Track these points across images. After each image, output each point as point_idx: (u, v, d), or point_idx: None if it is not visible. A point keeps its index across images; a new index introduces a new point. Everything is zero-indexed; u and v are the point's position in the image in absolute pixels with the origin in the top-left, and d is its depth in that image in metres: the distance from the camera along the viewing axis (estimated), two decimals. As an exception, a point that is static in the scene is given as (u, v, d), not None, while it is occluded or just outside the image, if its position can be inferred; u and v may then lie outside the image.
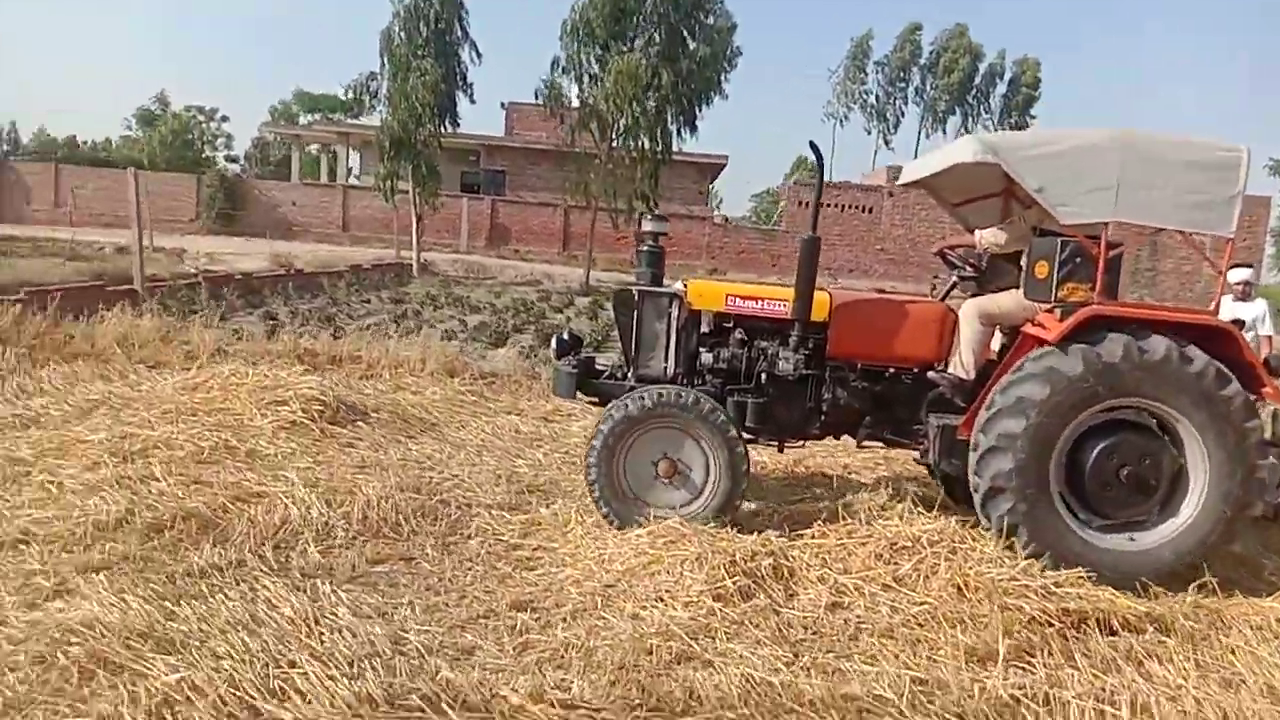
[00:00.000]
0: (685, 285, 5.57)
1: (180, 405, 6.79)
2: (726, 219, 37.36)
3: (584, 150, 25.58)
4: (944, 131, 52.96)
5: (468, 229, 33.26)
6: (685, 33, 24.47)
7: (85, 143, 56.31)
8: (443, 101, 23.77)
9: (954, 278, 6.05)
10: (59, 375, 7.79)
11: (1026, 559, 4.48)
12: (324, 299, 16.84)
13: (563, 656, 3.54)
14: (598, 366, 5.73)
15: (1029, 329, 4.99)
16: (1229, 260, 5.46)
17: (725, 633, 3.78)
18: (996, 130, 52.80)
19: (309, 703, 2.97)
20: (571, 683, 3.27)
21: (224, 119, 58.40)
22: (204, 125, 56.63)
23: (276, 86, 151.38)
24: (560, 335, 5.84)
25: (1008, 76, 51.36)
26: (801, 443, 5.74)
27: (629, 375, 5.51)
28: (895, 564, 4.40)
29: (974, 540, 4.62)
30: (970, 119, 52.26)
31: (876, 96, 51.80)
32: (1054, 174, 4.77)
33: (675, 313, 5.43)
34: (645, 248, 5.48)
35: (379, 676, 3.17)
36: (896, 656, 3.68)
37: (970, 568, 4.30)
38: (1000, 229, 5.46)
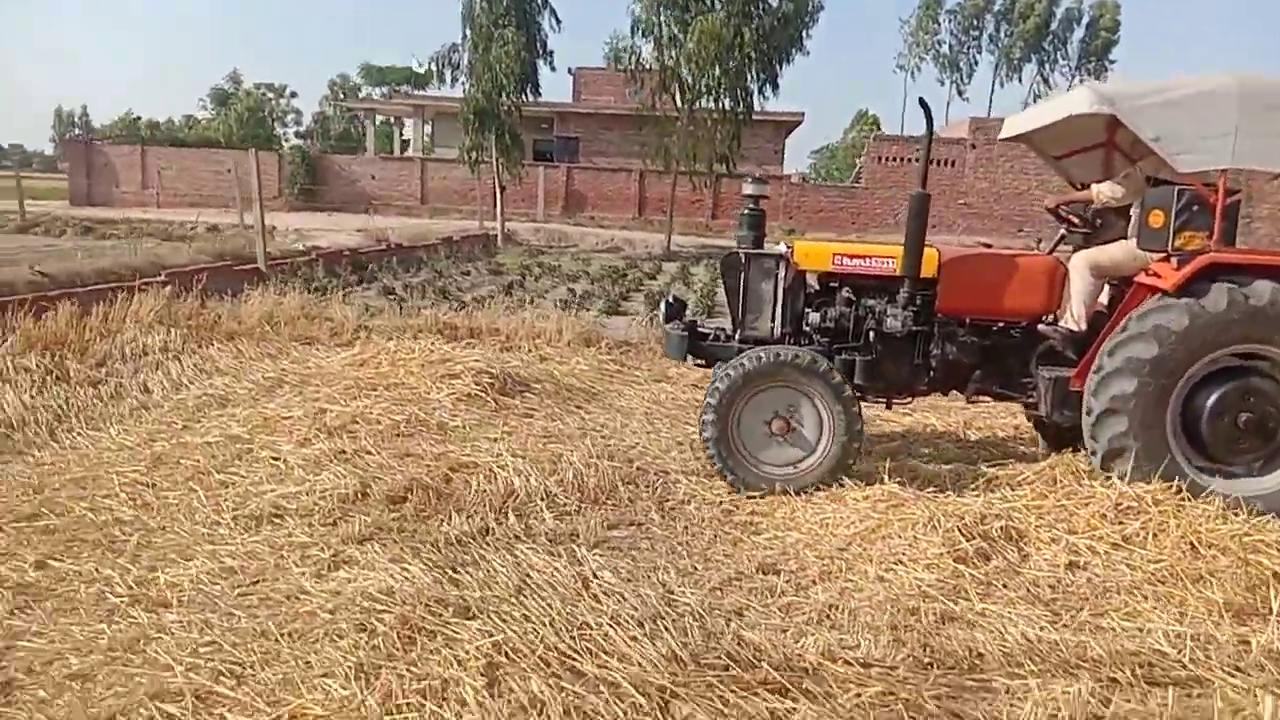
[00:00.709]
0: (791, 246, 5.63)
1: (359, 381, 7.04)
2: (805, 178, 36.93)
3: (663, 113, 25.42)
4: (1019, 80, 51.63)
5: (544, 197, 33.38)
6: (765, -11, 24.11)
7: (162, 123, 57.67)
8: (525, 70, 23.79)
9: (1062, 231, 6.03)
10: (226, 354, 8.09)
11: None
12: (427, 271, 17.14)
13: (829, 617, 3.67)
14: (700, 330, 5.81)
15: (1143, 278, 4.98)
16: None
17: (976, 593, 3.86)
18: (1075, 77, 51.25)
19: (623, 663, 3.13)
20: (858, 642, 3.38)
21: (293, 95, 59.40)
22: (274, 103, 57.54)
23: (331, 61, 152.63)
24: (668, 300, 5.98)
25: (1085, 20, 49.71)
26: (909, 399, 5.81)
27: (736, 337, 5.60)
28: (1121, 523, 4.41)
29: (1194, 501, 4.60)
30: (1047, 66, 50.81)
31: (950, 46, 50.62)
32: (1171, 122, 4.73)
33: (782, 273, 5.51)
34: (747, 210, 5.56)
35: (675, 636, 3.31)
36: (1153, 613, 3.72)
37: (1201, 524, 4.30)
38: (1116, 183, 5.44)
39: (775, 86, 25.13)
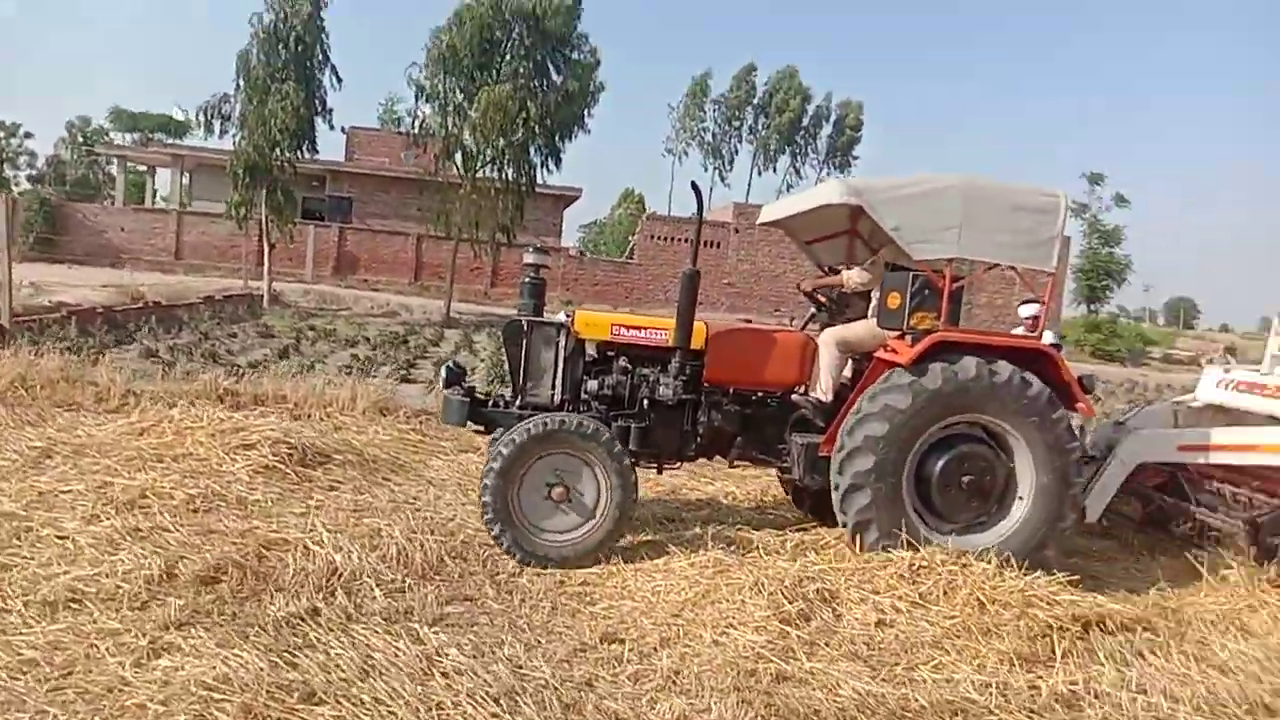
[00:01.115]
0: (572, 315, 5.87)
1: (141, 451, 6.53)
2: (583, 251, 37.80)
3: (446, 180, 25.39)
4: (774, 169, 55.76)
5: (314, 258, 32.16)
6: (551, 66, 24.86)
7: None
8: (303, 126, 23.05)
9: (813, 310, 6.72)
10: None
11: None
12: (190, 333, 16.04)
13: (675, 682, 3.79)
14: (478, 396, 5.93)
15: (882, 354, 5.63)
16: (1050, 292, 6.33)
17: (804, 652, 4.13)
18: (822, 169, 56.13)
19: (492, 741, 3.10)
20: (708, 705, 3.53)
21: (28, 135, 54.03)
22: (4, 141, 52.02)
23: (75, 101, 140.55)
24: (449, 365, 6.06)
25: (833, 119, 54.70)
26: (679, 464, 6.13)
27: (517, 403, 5.74)
28: (916, 582, 4.87)
29: (974, 559, 5.15)
30: (799, 158, 55.30)
31: (714, 134, 54.02)
32: (907, 215, 5.41)
33: (562, 342, 5.72)
34: (528, 279, 5.75)
35: (535, 710, 3.32)
36: (956, 665, 4.13)
37: (984, 581, 4.82)
38: (864, 269, 6.12)
39: (558, 161, 25.78)
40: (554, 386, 5.71)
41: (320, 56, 23.77)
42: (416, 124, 25.12)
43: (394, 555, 4.92)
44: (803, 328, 6.59)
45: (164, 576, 4.35)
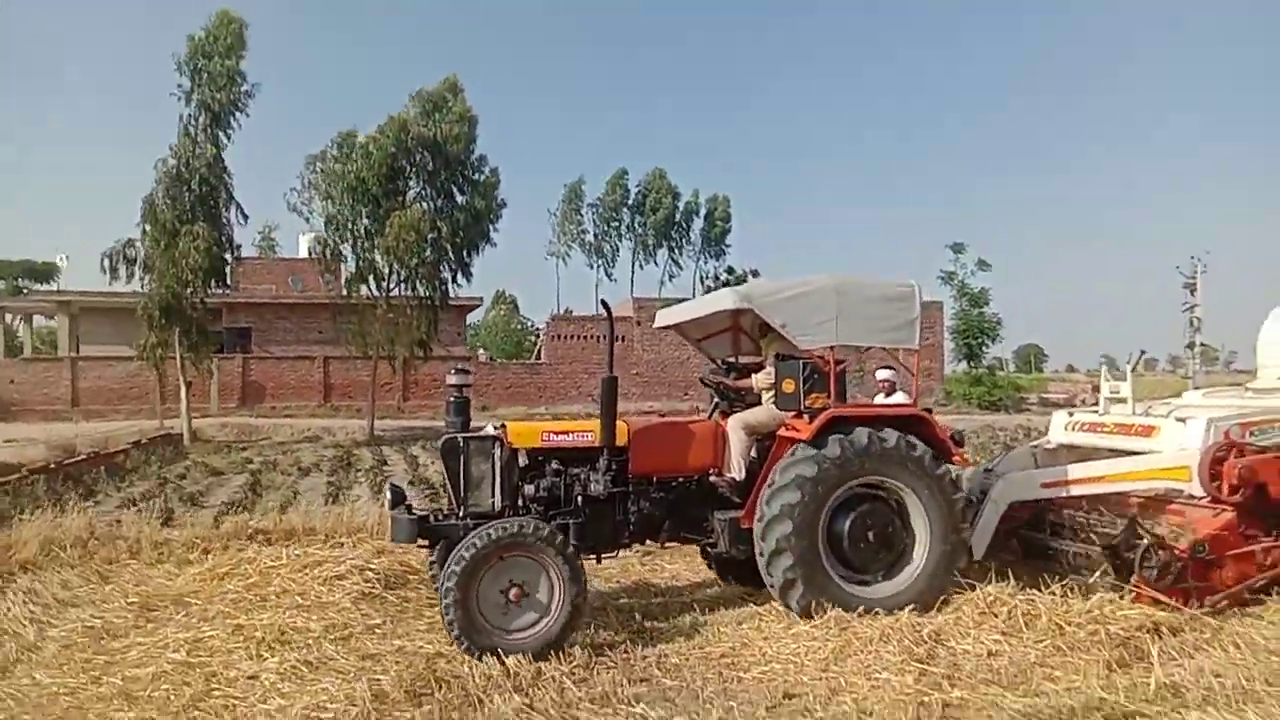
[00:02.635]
0: (503, 426, 6.40)
1: (239, 594, 6.82)
2: (492, 357, 38.28)
3: (360, 301, 25.70)
4: (655, 262, 57.89)
5: (218, 390, 31.56)
6: (454, 188, 25.77)
7: None
8: (215, 265, 23.07)
9: (715, 399, 7.40)
10: (56, 585, 7.29)
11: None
12: (143, 479, 15.81)
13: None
14: (419, 513, 6.27)
15: (784, 432, 6.45)
16: (917, 365, 7.33)
17: (948, 684, 4.92)
18: (700, 258, 58.66)
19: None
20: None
21: None
22: None
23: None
24: (391, 486, 6.43)
25: (704, 212, 57.47)
26: (615, 553, 6.64)
27: (460, 514, 6.04)
28: (997, 615, 5.74)
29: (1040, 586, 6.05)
30: (676, 250, 57.61)
31: (594, 235, 55.88)
32: (791, 312, 6.30)
33: (497, 452, 6.09)
34: (453, 399, 6.18)
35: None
36: (1067, 677, 5.00)
37: (1056, 609, 5.72)
38: (765, 373, 6.91)
39: (468, 275, 26.54)
40: (494, 494, 6.04)
41: (225, 195, 23.95)
42: (326, 251, 25.44)
43: (546, 654, 5.45)
44: (710, 416, 7.36)
45: (376, 697, 4.78)
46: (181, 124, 22.91)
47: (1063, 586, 6.05)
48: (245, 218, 24.56)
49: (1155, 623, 5.66)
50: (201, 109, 22.83)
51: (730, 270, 58.47)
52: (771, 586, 6.08)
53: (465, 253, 26.08)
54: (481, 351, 41.22)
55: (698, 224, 57.85)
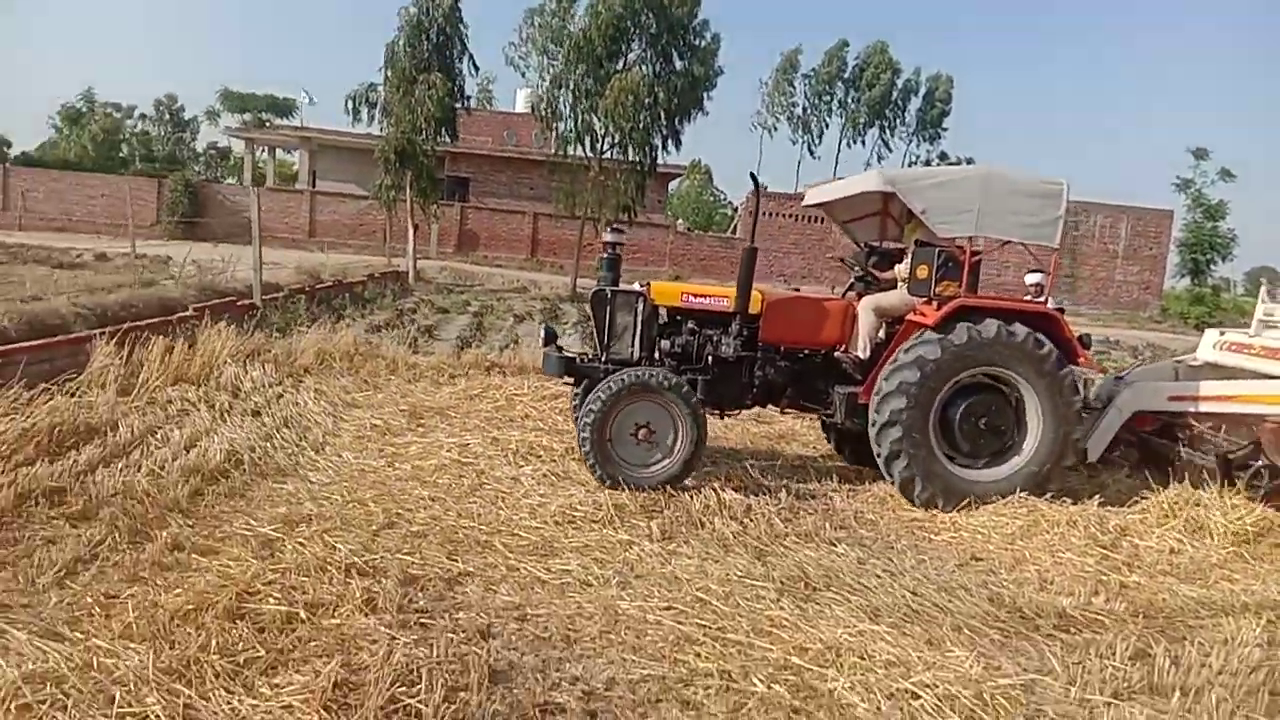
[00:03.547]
0: (647, 284, 6.85)
1: (490, 413, 7.96)
2: (690, 227, 38.90)
3: (573, 161, 26.70)
4: (863, 143, 56.05)
5: (438, 236, 33.82)
6: (675, 52, 25.97)
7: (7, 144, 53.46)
8: (446, 114, 24.52)
9: (851, 279, 7.81)
10: (326, 387, 8.58)
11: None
12: (380, 310, 17.61)
13: (1050, 586, 5.03)
14: (567, 354, 6.85)
15: (912, 317, 6.62)
16: (1055, 265, 7.28)
17: (1127, 569, 5.34)
18: (912, 141, 56.31)
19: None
20: (1087, 599, 4.76)
21: (143, 116, 56.73)
22: (121, 123, 54.82)
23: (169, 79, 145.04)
24: (546, 326, 7.15)
25: (923, 92, 54.77)
26: (737, 411, 7.18)
27: (602, 359, 6.66)
28: (1176, 516, 6.04)
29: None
30: (888, 131, 55.47)
31: (804, 108, 54.50)
32: (934, 199, 6.40)
33: (640, 308, 6.63)
34: (606, 255, 6.73)
35: (976, 596, 4.58)
36: (1243, 579, 5.31)
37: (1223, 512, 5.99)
38: (905, 264, 7.09)
39: (678, 143, 26.94)
40: (633, 345, 6.63)
41: (459, 47, 25.18)
42: (546, 109, 26.44)
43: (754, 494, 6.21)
44: (843, 295, 7.68)
45: (616, 507, 5.68)
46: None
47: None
48: (476, 69, 25.82)
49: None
50: (443, -42, 23.87)
51: (943, 156, 55.86)
52: (879, 456, 6.46)
53: (678, 120, 26.46)
54: (680, 222, 41.81)
55: (915, 105, 55.30)
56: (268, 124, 49.74)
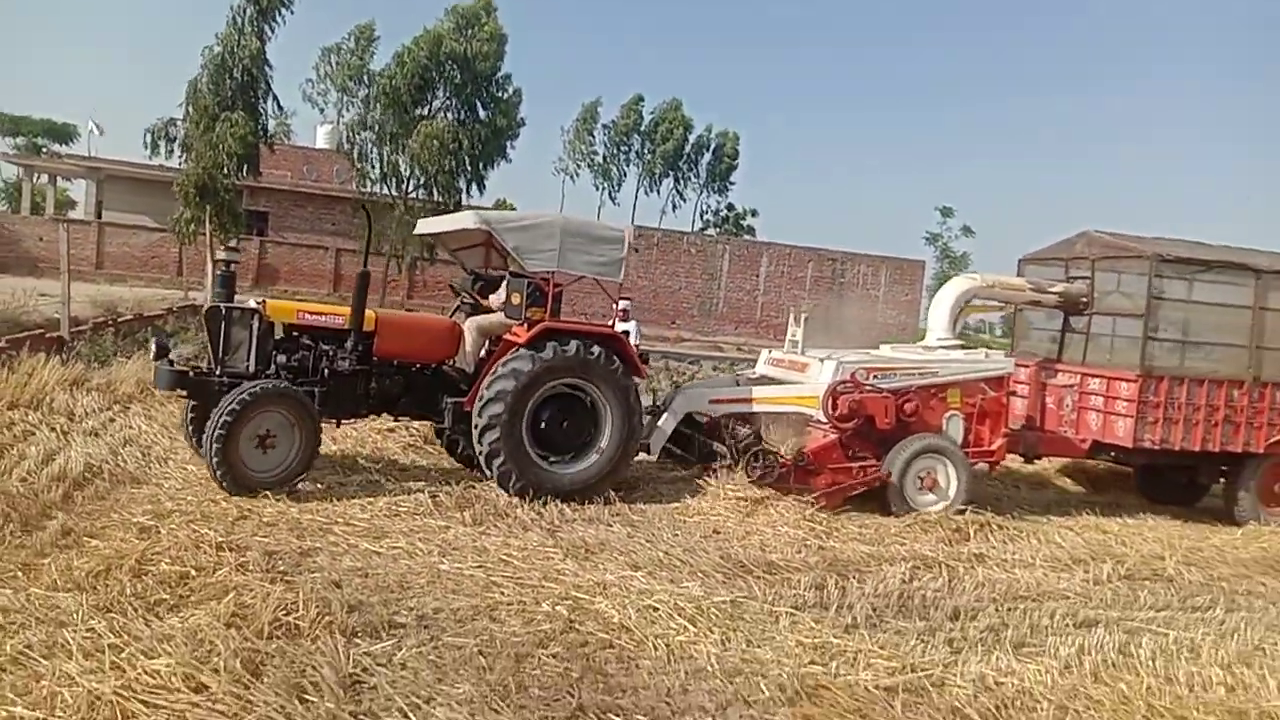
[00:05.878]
0: (264, 302, 7.38)
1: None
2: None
3: (378, 200, 27.47)
4: (658, 192, 59.28)
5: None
6: (478, 103, 27.45)
7: None
8: (249, 151, 24.74)
9: (458, 303, 8.85)
10: (165, 414, 9.30)
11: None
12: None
13: (766, 547, 6.71)
14: (179, 368, 7.26)
15: (509, 337, 7.72)
16: (618, 294, 8.49)
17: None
18: (702, 192, 60.13)
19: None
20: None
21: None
22: None
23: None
24: (159, 340, 7.46)
25: (712, 147, 58.71)
26: (355, 420, 8.00)
27: (217, 373, 7.00)
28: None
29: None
30: (681, 181, 58.95)
31: (604, 156, 57.05)
32: (521, 239, 7.52)
33: (255, 323, 7.07)
34: (220, 273, 7.24)
35: (739, 560, 6.18)
36: (909, 544, 7.22)
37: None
38: (499, 292, 8.10)
39: (482, 187, 28.45)
40: (248, 359, 7.04)
41: (264, 87, 25.50)
42: (353, 149, 27.24)
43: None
44: (451, 315, 8.67)
45: (433, 502, 6.91)
46: (231, 14, 24.34)
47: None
48: (280, 109, 26.19)
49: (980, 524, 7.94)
50: (250, 2, 24.26)
51: (730, 208, 59.99)
52: (480, 454, 7.35)
53: (481, 165, 27.93)
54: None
55: (705, 159, 59.13)
56: (44, 151, 46.94)
